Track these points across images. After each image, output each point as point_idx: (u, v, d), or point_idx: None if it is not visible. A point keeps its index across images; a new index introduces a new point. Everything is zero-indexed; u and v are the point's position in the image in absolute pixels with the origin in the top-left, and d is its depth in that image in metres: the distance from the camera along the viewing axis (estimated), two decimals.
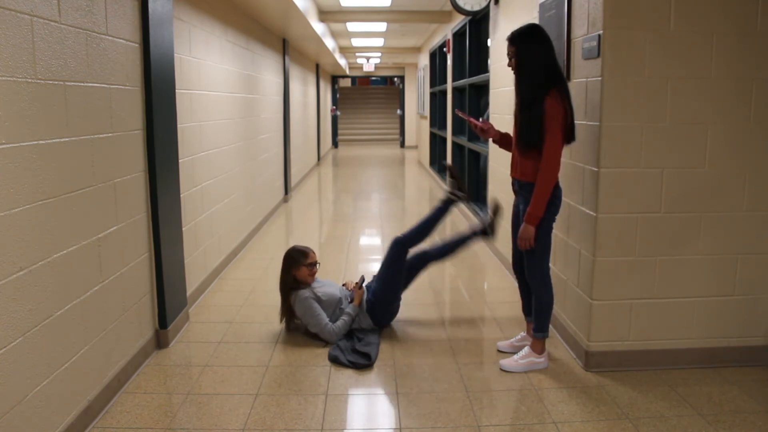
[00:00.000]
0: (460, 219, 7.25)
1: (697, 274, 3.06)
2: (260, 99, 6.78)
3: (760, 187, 3.01)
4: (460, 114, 3.49)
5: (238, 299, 4.27)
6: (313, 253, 3.65)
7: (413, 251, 3.67)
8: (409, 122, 19.31)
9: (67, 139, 2.40)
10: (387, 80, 26.80)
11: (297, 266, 3.55)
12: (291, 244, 3.78)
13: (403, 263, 3.62)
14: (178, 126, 3.75)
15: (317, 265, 3.65)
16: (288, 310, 3.58)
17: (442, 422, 2.64)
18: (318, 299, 3.51)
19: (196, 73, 4.27)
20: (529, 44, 2.92)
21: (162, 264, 3.33)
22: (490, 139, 3.33)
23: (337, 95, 21.50)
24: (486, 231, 3.64)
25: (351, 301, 3.61)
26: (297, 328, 3.66)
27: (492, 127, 3.24)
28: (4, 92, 2.00)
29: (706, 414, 2.68)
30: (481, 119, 3.28)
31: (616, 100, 2.90)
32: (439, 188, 9.91)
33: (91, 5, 2.59)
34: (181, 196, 3.81)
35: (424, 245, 3.73)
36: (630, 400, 2.81)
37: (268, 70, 7.31)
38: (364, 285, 3.68)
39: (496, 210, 3.60)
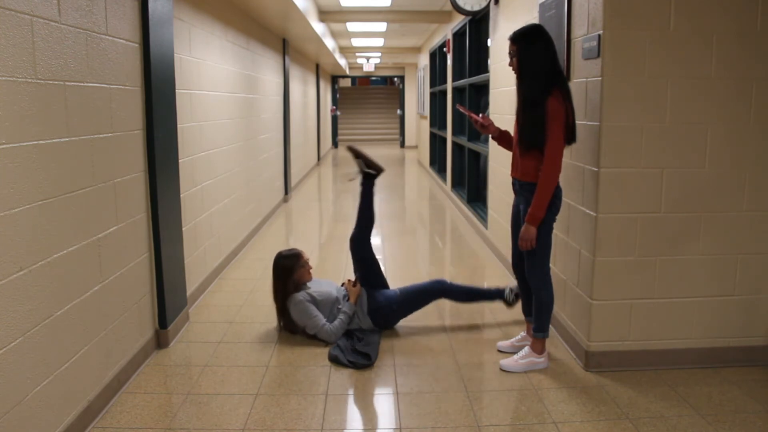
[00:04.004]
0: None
1: (697, 274, 3.06)
2: (260, 99, 6.78)
3: (760, 187, 3.01)
4: (460, 109, 3.49)
5: (238, 299, 4.27)
6: (302, 251, 3.68)
7: (436, 278, 3.87)
8: (409, 122, 19.31)
9: (67, 139, 2.40)
10: (387, 80, 26.79)
11: (295, 270, 3.56)
12: (291, 244, 3.79)
13: (434, 299, 3.76)
14: (178, 126, 3.75)
15: (308, 261, 3.68)
16: (288, 317, 3.57)
17: (442, 422, 2.64)
18: (314, 300, 3.51)
19: (196, 73, 4.27)
20: (530, 44, 2.92)
21: (162, 264, 3.33)
22: (490, 137, 3.33)
23: (337, 95, 21.50)
24: (508, 300, 3.75)
25: (347, 299, 3.61)
26: (297, 329, 3.64)
27: (492, 123, 3.25)
28: (4, 92, 2.00)
29: (706, 414, 2.68)
30: (481, 115, 3.28)
31: (616, 100, 2.90)
32: (438, 188, 9.91)
33: (91, 5, 2.60)
34: (181, 196, 3.81)
35: (448, 278, 3.91)
36: (630, 400, 2.81)
37: (268, 70, 7.31)
38: (359, 283, 3.68)
39: (516, 296, 3.71)
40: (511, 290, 3.70)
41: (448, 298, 3.79)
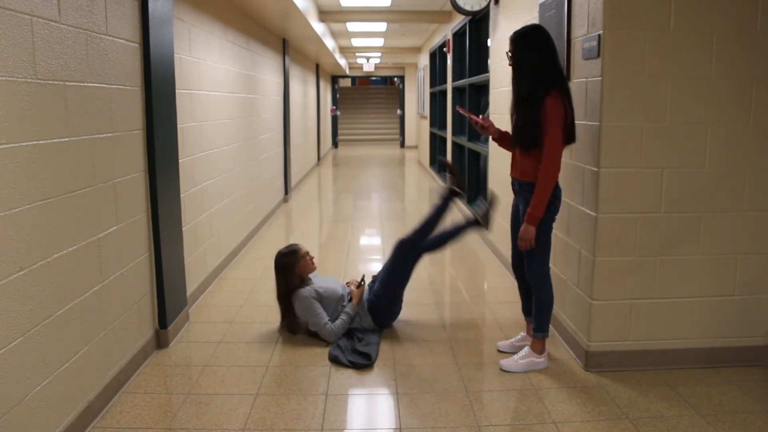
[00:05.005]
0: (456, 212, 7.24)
1: (697, 274, 3.06)
2: (260, 99, 6.78)
3: (760, 187, 3.01)
4: (460, 110, 3.49)
5: (238, 299, 4.27)
6: (300, 245, 3.67)
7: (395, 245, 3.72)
8: (409, 122, 19.31)
9: (67, 139, 2.40)
10: (387, 80, 26.79)
11: (296, 265, 3.55)
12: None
13: (407, 265, 3.62)
14: (178, 126, 3.75)
15: (309, 252, 3.66)
16: (293, 314, 3.55)
17: (442, 422, 2.64)
18: (319, 296, 3.51)
19: (196, 73, 4.27)
20: (527, 44, 2.93)
21: (162, 264, 3.33)
22: (491, 138, 3.33)
23: (337, 95, 21.50)
24: (479, 222, 3.64)
25: (350, 300, 3.61)
26: (299, 328, 3.62)
27: (492, 124, 3.24)
28: (4, 92, 2.00)
29: (706, 414, 2.68)
30: (481, 116, 3.28)
31: (616, 100, 2.90)
32: (438, 187, 9.91)
33: (91, 5, 2.60)
34: (181, 196, 3.81)
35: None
36: (630, 400, 2.81)
37: (268, 70, 7.31)
38: (364, 284, 3.68)
39: (492, 202, 3.64)
40: (479, 216, 3.61)
41: (426, 253, 3.67)
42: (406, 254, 3.61)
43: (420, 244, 3.63)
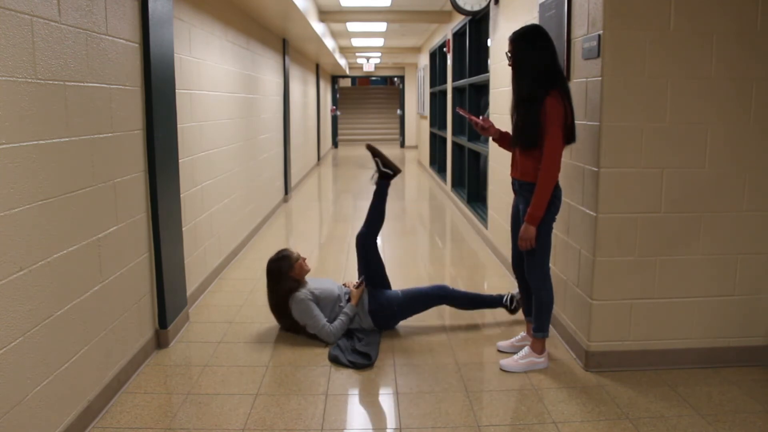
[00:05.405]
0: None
1: (697, 274, 3.06)
2: (260, 99, 6.78)
3: (760, 187, 3.01)
4: (460, 112, 3.50)
5: (238, 299, 4.27)
6: (289, 249, 3.68)
7: (438, 284, 3.86)
8: (409, 122, 19.31)
9: (67, 139, 2.40)
10: (387, 80, 26.79)
11: (290, 270, 3.55)
12: (291, 244, 3.77)
13: (436, 304, 3.76)
14: (178, 126, 3.75)
15: (300, 255, 3.67)
16: (290, 318, 3.55)
17: (442, 422, 2.64)
18: (315, 297, 3.51)
19: (196, 73, 4.27)
20: (527, 45, 2.93)
21: (162, 264, 3.33)
22: (491, 138, 3.34)
23: (337, 95, 21.51)
24: (508, 307, 3.74)
25: (349, 300, 3.60)
26: (301, 330, 3.61)
27: (492, 125, 3.25)
28: (4, 92, 2.00)
29: (706, 414, 2.68)
30: (481, 117, 3.28)
31: (616, 100, 2.91)
32: (438, 188, 9.91)
33: (91, 5, 2.60)
34: (181, 196, 3.81)
35: (449, 281, 3.81)
36: (630, 400, 2.81)
37: (268, 70, 7.31)
38: (364, 285, 3.68)
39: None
40: (512, 297, 3.71)
41: (450, 305, 3.79)
42: (439, 299, 3.73)
43: (453, 296, 3.75)
